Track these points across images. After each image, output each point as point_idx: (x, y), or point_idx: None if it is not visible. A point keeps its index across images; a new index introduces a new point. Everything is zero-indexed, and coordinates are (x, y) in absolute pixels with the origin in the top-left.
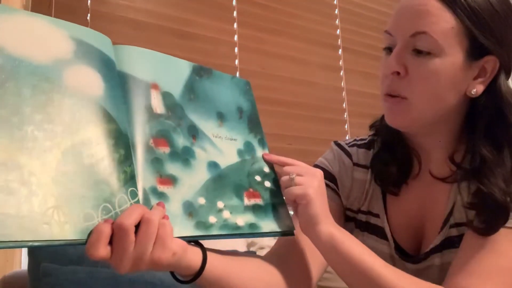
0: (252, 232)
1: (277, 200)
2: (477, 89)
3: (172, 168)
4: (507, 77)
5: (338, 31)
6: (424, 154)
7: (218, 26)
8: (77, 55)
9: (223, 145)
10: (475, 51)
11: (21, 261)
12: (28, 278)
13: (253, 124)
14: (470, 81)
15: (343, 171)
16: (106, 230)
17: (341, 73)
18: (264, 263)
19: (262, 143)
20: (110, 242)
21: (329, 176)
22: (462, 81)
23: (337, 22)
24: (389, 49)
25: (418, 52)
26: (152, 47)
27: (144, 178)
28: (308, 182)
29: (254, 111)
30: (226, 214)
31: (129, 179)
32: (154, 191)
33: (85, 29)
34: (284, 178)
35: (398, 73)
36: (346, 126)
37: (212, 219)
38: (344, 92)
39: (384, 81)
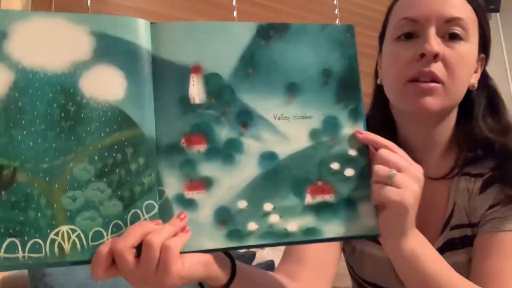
0: (307, 239)
1: (360, 193)
2: (475, 82)
3: (208, 169)
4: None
5: None
6: (419, 155)
7: None
8: (96, 54)
9: (290, 128)
10: (481, 46)
11: None
12: (28, 278)
13: (346, 89)
14: (473, 74)
15: None
16: (105, 251)
17: None
18: (277, 280)
19: (355, 115)
20: None
21: None
22: (473, 72)
23: (337, 22)
24: (408, 36)
25: (453, 37)
26: None
27: (168, 185)
28: (410, 185)
29: (352, 69)
30: (273, 218)
31: (147, 191)
32: (180, 199)
33: (111, 19)
34: (381, 170)
35: (435, 57)
36: None
37: (252, 226)
38: None
39: (409, 67)
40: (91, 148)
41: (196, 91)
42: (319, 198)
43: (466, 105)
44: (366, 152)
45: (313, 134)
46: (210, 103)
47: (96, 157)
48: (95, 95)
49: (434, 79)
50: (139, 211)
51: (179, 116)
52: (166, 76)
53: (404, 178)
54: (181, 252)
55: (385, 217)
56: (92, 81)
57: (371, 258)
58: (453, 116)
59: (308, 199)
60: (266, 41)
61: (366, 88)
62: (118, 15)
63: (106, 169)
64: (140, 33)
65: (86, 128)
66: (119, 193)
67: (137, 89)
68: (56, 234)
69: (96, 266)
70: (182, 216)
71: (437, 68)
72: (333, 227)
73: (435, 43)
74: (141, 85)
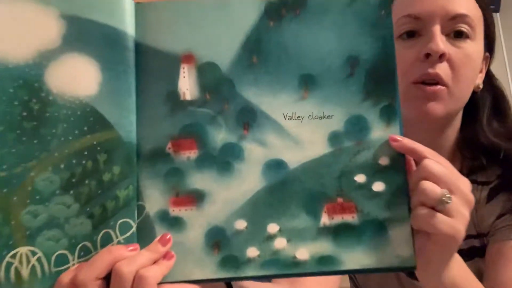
0: (322, 270)
1: (392, 214)
2: (480, 82)
3: (200, 180)
4: None
5: None
6: None
7: None
8: (66, 41)
9: (304, 130)
10: (486, 44)
11: None
12: None
13: (378, 81)
14: (478, 74)
15: None
16: (64, 282)
17: None
18: None
19: (388, 114)
20: None
21: None
22: (478, 72)
23: None
24: (410, 34)
25: (459, 35)
26: None
27: (150, 200)
28: (463, 212)
29: (387, 56)
30: (279, 243)
31: (122, 207)
32: (164, 216)
33: None
34: (432, 190)
35: (441, 57)
36: None
37: (252, 252)
38: None
39: (414, 68)
40: (56, 154)
41: (187, 85)
42: (339, 219)
43: (471, 107)
44: (402, 162)
45: (333, 138)
46: (204, 99)
47: (62, 165)
48: (63, 90)
49: (439, 81)
50: (111, 232)
51: (166, 115)
52: (152, 67)
53: (458, 203)
54: (162, 282)
55: (428, 249)
56: (60, 74)
57: None
58: (458, 120)
59: (325, 219)
60: (276, 22)
61: None
62: None
63: (73, 180)
64: (122, 15)
65: (52, 130)
66: (88, 209)
67: (114, 83)
68: (13, 256)
69: None
70: (167, 238)
71: (443, 69)
72: (356, 256)
73: (441, 42)
74: (120, 79)
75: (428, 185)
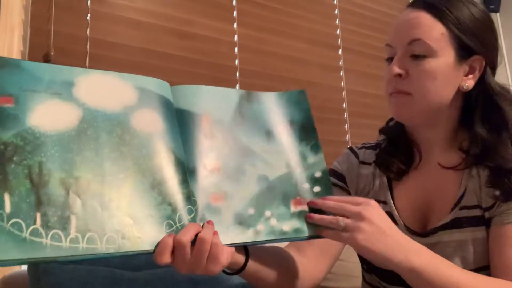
0: (297, 236)
1: None
2: (469, 84)
3: (224, 185)
4: (493, 72)
5: (338, 31)
6: (427, 147)
7: (218, 26)
8: (141, 102)
9: (272, 159)
10: (464, 52)
11: None
12: (28, 277)
13: (306, 131)
14: (462, 78)
15: (350, 169)
16: (169, 242)
17: (341, 73)
18: (285, 252)
19: (315, 148)
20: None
21: (338, 175)
22: (455, 78)
23: (337, 22)
24: (391, 59)
25: (416, 57)
26: (152, 47)
27: (199, 196)
28: (358, 225)
29: (308, 118)
30: (273, 221)
31: (186, 199)
32: (208, 207)
33: (146, 79)
34: (332, 222)
35: (400, 76)
36: (346, 126)
37: (260, 226)
38: (344, 92)
39: (389, 85)
40: (144, 166)
41: (209, 131)
42: (299, 208)
43: (469, 105)
44: (327, 174)
45: (288, 164)
46: (220, 139)
47: (149, 173)
48: (143, 129)
49: (403, 91)
50: (183, 213)
51: (200, 148)
52: (187, 120)
53: (351, 222)
54: None
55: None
56: (139, 119)
57: None
58: (450, 117)
59: (292, 208)
60: (248, 102)
61: (368, 89)
62: (119, 15)
63: (155, 182)
64: (166, 90)
65: (140, 152)
66: (167, 200)
67: (170, 127)
68: (125, 230)
69: (162, 253)
70: (210, 223)
71: (403, 84)
72: (311, 228)
73: (396, 66)
74: (172, 125)
75: (331, 219)
